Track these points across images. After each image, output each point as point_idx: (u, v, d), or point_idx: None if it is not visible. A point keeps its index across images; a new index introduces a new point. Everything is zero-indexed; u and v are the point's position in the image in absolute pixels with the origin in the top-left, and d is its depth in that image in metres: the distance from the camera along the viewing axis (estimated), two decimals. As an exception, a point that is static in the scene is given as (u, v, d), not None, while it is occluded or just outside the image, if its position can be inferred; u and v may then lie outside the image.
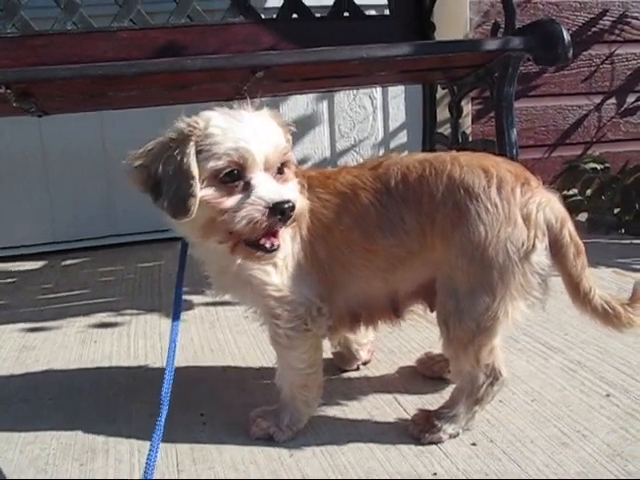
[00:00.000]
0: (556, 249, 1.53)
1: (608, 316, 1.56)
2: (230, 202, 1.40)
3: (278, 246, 1.44)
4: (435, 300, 1.59)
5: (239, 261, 1.52)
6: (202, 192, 1.41)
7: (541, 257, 1.51)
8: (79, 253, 3.60)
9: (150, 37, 2.92)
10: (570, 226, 1.54)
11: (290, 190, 1.47)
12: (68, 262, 3.46)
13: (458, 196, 1.51)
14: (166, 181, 1.42)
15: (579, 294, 1.56)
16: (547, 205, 1.52)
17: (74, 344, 2.32)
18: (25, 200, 3.65)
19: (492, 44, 2.57)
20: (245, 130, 1.43)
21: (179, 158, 1.41)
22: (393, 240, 1.57)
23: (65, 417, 1.81)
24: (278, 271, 1.56)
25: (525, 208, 1.50)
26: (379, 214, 1.57)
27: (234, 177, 1.42)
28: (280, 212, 1.39)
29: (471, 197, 1.50)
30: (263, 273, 1.55)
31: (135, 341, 2.32)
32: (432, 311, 1.68)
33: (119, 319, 2.55)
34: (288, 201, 1.40)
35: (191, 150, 1.41)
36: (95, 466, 1.57)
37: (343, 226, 1.59)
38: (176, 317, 1.58)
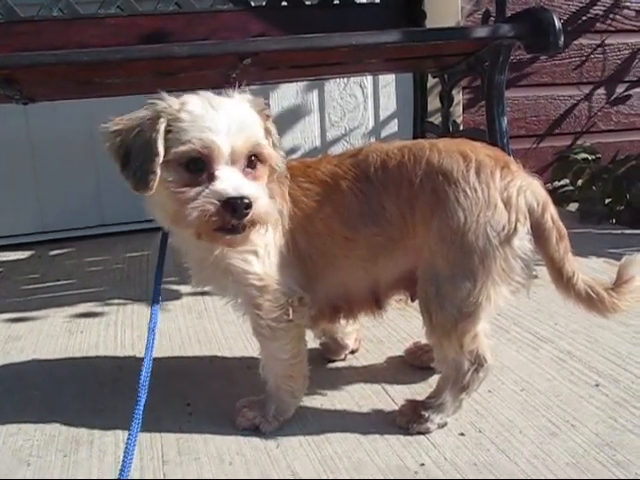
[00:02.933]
0: (538, 233, 1.52)
1: (592, 301, 1.54)
2: (191, 193, 1.37)
3: (243, 228, 1.38)
4: (416, 289, 1.58)
5: (217, 252, 1.50)
6: (167, 174, 1.39)
7: (523, 241, 1.50)
8: (67, 243, 3.56)
9: (137, 24, 2.89)
10: (552, 210, 1.53)
11: (254, 188, 1.40)
12: (56, 252, 3.43)
13: (437, 181, 1.50)
14: (134, 153, 1.41)
15: (562, 278, 1.54)
16: (528, 188, 1.51)
17: (60, 334, 2.30)
18: (12, 190, 3.60)
19: (482, 32, 2.55)
20: (216, 120, 1.39)
21: (148, 134, 1.39)
22: (374, 228, 1.56)
23: (50, 408, 1.79)
24: (260, 260, 1.54)
25: (505, 192, 1.49)
26: (360, 202, 1.56)
27: (199, 166, 1.38)
28: (232, 208, 1.34)
29: (449, 182, 1.49)
30: (244, 262, 1.52)
31: (122, 331, 2.30)
32: (413, 301, 1.67)
33: (106, 309, 2.53)
34: (243, 197, 1.34)
35: (160, 128, 1.39)
36: (79, 457, 1.55)
37: (324, 215, 1.57)
38: (155, 301, 1.54)
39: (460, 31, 2.51)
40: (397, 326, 2.17)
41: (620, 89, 4.17)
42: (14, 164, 3.58)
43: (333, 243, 1.58)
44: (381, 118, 3.94)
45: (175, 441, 1.59)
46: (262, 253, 1.54)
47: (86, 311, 2.52)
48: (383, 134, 3.96)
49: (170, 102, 1.42)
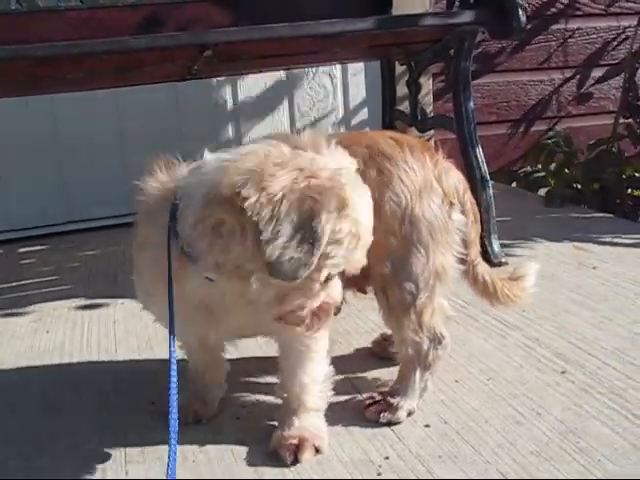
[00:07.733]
0: None
1: (486, 288, 1.66)
2: None
3: None
4: (364, 282, 1.60)
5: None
6: None
7: (459, 215, 1.58)
8: (34, 241, 3.49)
9: (98, 18, 2.83)
10: (469, 194, 1.62)
11: None
12: (23, 250, 3.37)
13: (380, 162, 1.55)
14: None
15: (464, 261, 1.62)
16: (450, 171, 1.60)
17: (25, 335, 2.26)
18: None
19: (442, 18, 2.53)
20: None
21: None
22: None
23: (9, 411, 1.76)
24: None
25: (436, 171, 1.57)
26: None
27: None
28: None
29: (391, 162, 1.55)
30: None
31: (89, 329, 2.26)
32: (364, 292, 1.68)
33: (73, 307, 2.49)
34: None
35: None
36: (40, 462, 1.52)
37: None
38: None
39: (420, 18, 2.47)
40: (365, 317, 2.15)
41: (591, 73, 4.18)
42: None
43: None
44: (351, 107, 3.91)
45: (139, 440, 1.57)
46: None
47: (53, 310, 2.48)
48: (353, 123, 3.93)
49: None
